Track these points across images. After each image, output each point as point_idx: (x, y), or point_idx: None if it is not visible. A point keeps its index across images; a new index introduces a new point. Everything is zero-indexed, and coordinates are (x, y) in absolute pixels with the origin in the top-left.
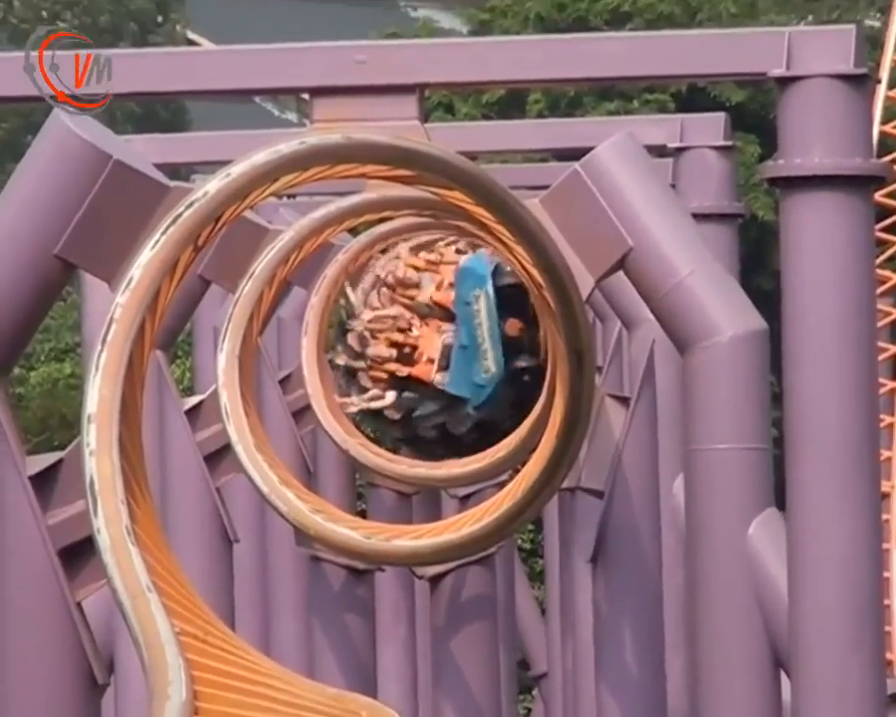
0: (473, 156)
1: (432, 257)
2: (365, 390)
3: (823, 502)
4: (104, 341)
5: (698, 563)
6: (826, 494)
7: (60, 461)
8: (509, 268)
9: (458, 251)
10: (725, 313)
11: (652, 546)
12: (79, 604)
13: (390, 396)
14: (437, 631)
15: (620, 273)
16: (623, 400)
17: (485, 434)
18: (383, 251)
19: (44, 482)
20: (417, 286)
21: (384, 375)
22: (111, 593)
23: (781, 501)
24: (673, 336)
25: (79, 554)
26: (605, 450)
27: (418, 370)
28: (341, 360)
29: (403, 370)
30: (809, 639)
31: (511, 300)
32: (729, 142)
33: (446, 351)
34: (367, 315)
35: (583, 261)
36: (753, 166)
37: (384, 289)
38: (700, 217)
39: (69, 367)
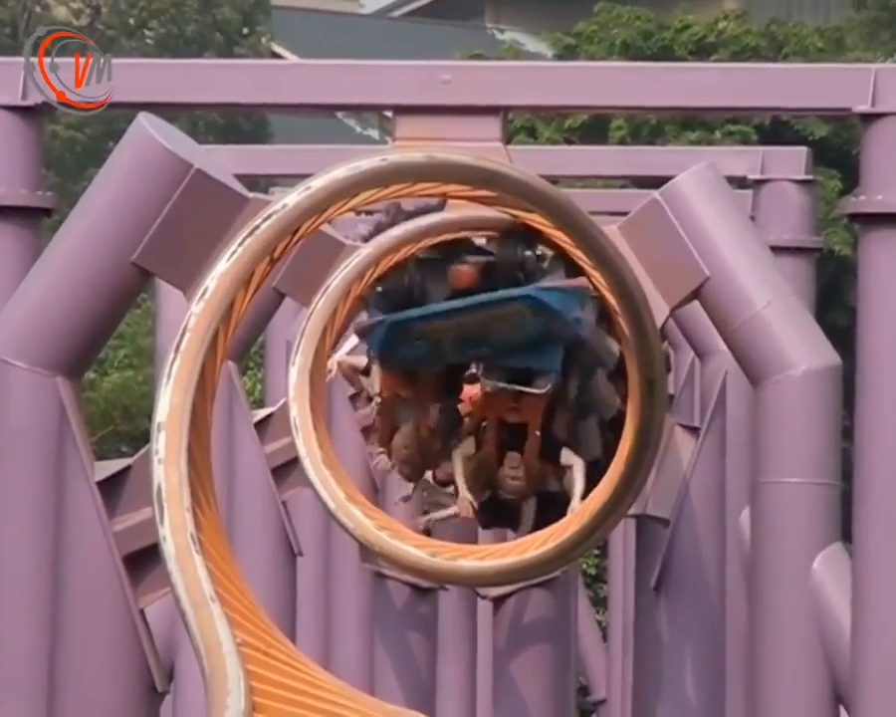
0: (554, 180)
1: None
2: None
3: (890, 540)
4: (177, 349)
5: (761, 595)
6: (893, 532)
7: (128, 468)
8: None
9: None
10: (799, 347)
11: (716, 576)
12: (141, 611)
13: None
14: (498, 652)
15: (695, 302)
16: (693, 430)
17: None
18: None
19: (111, 488)
20: None
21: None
22: (174, 601)
23: (846, 534)
24: (746, 367)
25: (143, 561)
26: (673, 479)
27: None
28: None
29: None
30: (870, 677)
31: None
32: (810, 176)
33: None
34: None
35: (659, 289)
36: (833, 201)
37: None
38: (778, 250)
39: (142, 375)
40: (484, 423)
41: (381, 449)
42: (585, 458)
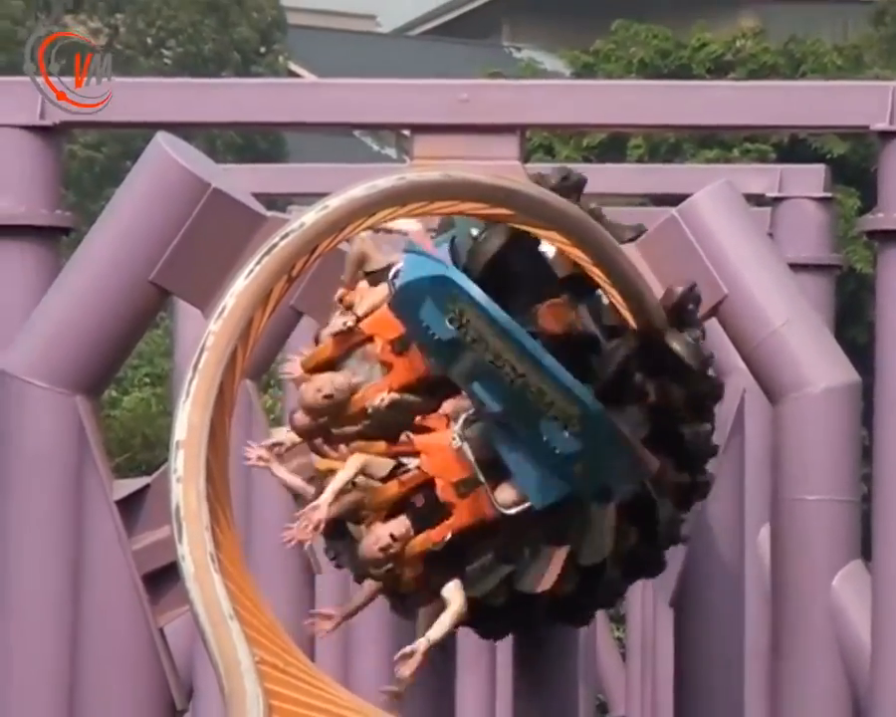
0: None
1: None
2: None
3: None
4: (195, 368)
5: (781, 612)
6: None
7: (147, 486)
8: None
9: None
10: (818, 364)
11: (734, 593)
12: (161, 630)
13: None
14: (518, 668)
15: (713, 320)
16: None
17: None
18: None
19: (130, 507)
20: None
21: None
22: (193, 619)
23: (866, 556)
24: (765, 385)
25: (162, 579)
26: None
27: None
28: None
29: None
30: (891, 694)
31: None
32: (828, 194)
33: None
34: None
35: None
36: (852, 219)
37: None
38: (797, 268)
39: (160, 401)
40: (414, 463)
41: (304, 370)
42: (590, 561)
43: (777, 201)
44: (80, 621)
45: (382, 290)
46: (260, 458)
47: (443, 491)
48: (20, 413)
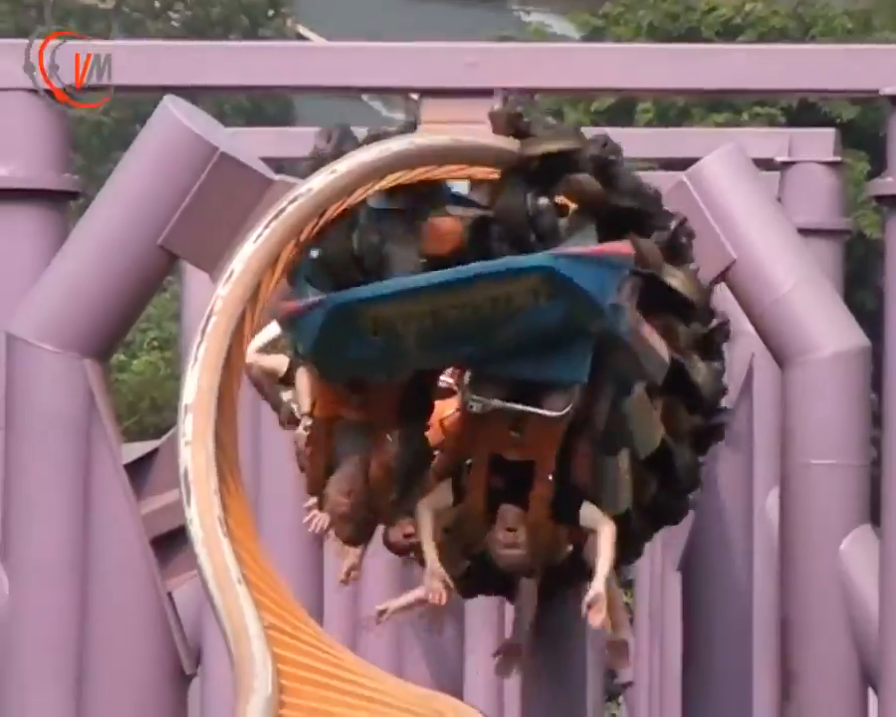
0: None
1: None
2: None
3: None
4: (203, 332)
5: (789, 575)
6: None
7: (155, 450)
8: None
9: None
10: (827, 328)
11: (742, 557)
12: (169, 594)
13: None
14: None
15: (721, 284)
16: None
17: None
18: None
19: (139, 470)
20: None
21: None
22: (201, 584)
23: (875, 520)
24: (773, 349)
25: (171, 543)
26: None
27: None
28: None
29: None
30: None
31: None
32: (838, 158)
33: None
34: None
35: None
36: (862, 184)
37: None
38: (806, 232)
39: (168, 365)
40: (468, 461)
41: (311, 501)
42: (613, 510)
43: (786, 165)
44: (88, 586)
45: (302, 374)
46: (382, 615)
47: (509, 453)
48: (29, 377)
